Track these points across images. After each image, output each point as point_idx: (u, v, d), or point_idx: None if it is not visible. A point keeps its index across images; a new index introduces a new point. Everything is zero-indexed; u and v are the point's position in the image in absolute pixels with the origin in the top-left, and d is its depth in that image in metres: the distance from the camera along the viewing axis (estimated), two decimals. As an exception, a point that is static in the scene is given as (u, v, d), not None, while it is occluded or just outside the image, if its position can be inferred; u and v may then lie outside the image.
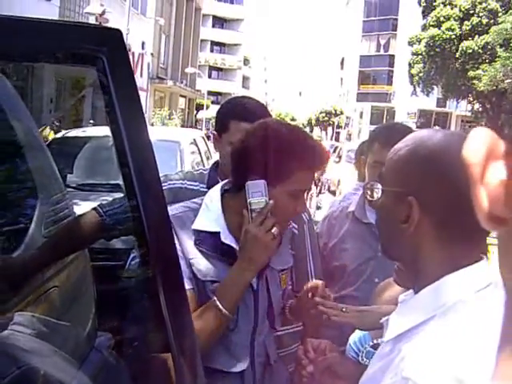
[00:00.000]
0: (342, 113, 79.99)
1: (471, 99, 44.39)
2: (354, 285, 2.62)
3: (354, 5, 70.39)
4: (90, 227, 2.20)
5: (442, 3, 40.27)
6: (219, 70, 74.47)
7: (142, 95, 29.64)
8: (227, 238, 1.90)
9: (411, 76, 44.64)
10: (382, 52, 67.13)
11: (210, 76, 68.48)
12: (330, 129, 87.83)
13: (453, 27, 39.10)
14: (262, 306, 1.98)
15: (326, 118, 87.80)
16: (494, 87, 34.56)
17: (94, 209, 2.20)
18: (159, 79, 35.04)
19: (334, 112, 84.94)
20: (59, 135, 6.90)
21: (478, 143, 0.54)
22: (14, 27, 1.10)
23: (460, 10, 39.30)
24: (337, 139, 65.40)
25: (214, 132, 2.50)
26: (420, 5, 42.99)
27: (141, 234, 1.19)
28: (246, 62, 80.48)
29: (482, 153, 0.54)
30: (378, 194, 1.30)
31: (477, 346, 1.00)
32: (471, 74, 36.20)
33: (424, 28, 42.42)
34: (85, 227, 2.22)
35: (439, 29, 39.76)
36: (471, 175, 0.54)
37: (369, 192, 1.34)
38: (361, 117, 69.28)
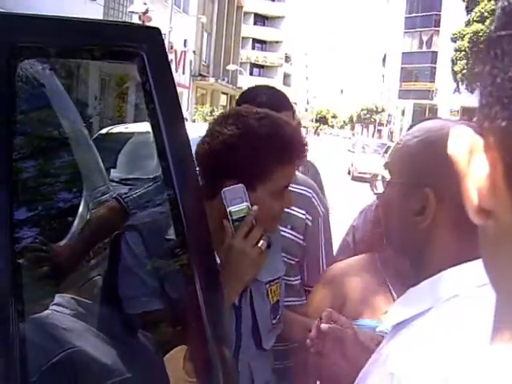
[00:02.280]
0: (383, 110, 79.28)
1: (516, 96, 43.42)
2: None
3: (396, 1, 69.64)
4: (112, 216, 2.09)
5: (487, -2, 39.64)
6: (260, 67, 74.53)
7: (185, 92, 29.88)
8: None
9: (454, 73, 44.05)
10: (424, 49, 66.18)
11: (251, 73, 68.59)
12: (371, 126, 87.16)
13: (497, 23, 38.33)
14: (245, 323, 1.78)
15: (368, 116, 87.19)
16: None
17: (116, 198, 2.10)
18: (201, 76, 35.25)
19: (375, 109, 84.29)
20: (104, 131, 7.01)
21: (460, 138, 0.56)
22: (61, 27, 1.19)
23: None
24: (379, 137, 64.80)
25: None
26: (463, 0, 42.34)
27: (179, 223, 1.25)
28: (287, 59, 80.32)
29: (465, 147, 0.55)
30: (382, 186, 1.28)
31: (467, 344, 0.93)
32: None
33: (468, 23, 41.80)
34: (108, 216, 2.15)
35: (483, 24, 39.13)
36: (458, 170, 0.55)
37: (374, 184, 1.31)
38: (402, 114, 68.47)
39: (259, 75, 72.53)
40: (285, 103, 2.41)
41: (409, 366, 0.98)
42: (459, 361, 0.89)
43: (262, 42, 74.47)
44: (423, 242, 1.16)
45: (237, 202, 1.61)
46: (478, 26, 39.47)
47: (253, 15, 69.41)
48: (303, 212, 2.50)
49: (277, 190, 1.71)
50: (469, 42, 40.23)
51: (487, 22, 38.94)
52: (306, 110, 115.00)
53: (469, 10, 42.01)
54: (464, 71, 42.07)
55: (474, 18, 40.31)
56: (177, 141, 1.28)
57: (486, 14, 39.29)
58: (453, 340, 0.96)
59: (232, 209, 1.60)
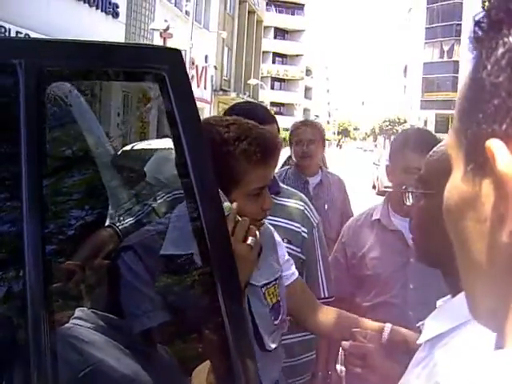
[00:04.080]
0: (405, 121, 78.99)
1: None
2: (390, 292, 2.60)
3: (416, 12, 69.58)
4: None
5: (507, 7, 39.44)
6: (281, 80, 74.66)
7: (206, 107, 30.03)
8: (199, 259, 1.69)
9: (476, 82, 43.73)
10: (445, 58, 66.04)
11: (272, 87, 68.78)
12: (393, 137, 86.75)
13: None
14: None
15: (390, 127, 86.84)
16: None
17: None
18: (222, 91, 35.44)
19: (397, 120, 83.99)
20: (128, 147, 7.10)
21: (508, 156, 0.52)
22: (87, 51, 1.25)
23: (526, 13, 38.40)
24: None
25: None
26: (484, 8, 42.16)
27: (202, 240, 1.29)
28: (308, 72, 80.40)
29: None
30: (414, 198, 1.31)
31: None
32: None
33: (489, 33, 41.58)
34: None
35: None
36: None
37: (406, 197, 1.36)
38: (425, 125, 68.08)
39: (280, 89, 72.71)
40: (267, 117, 2.48)
41: (454, 377, 0.98)
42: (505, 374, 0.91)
43: (283, 56, 74.63)
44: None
45: None
46: (499, 35, 39.23)
47: (273, 29, 69.64)
48: (298, 225, 2.56)
49: (252, 192, 1.74)
50: (490, 51, 40.03)
51: (509, 30, 38.70)
52: (328, 123, 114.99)
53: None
54: (486, 80, 41.81)
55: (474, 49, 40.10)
56: (198, 157, 1.33)
57: (507, 22, 39.07)
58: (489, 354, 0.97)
59: None
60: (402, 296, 2.56)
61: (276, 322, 1.89)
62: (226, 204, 1.61)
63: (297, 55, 74.12)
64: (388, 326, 2.04)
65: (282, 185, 2.69)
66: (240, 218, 1.63)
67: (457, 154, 0.57)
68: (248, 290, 1.78)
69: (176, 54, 1.33)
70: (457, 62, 62.97)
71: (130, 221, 2.38)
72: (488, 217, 0.52)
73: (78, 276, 2.07)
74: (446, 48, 65.71)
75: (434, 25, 65.82)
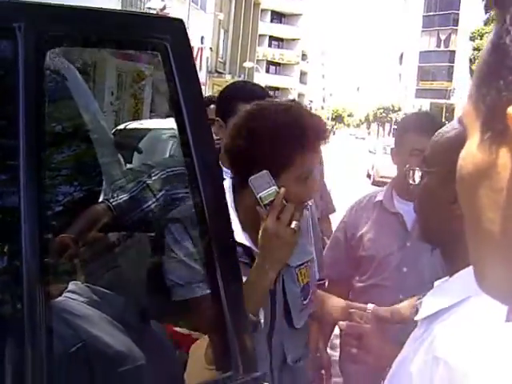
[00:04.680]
0: (399, 109, 79.01)
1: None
2: (382, 274, 2.61)
3: (414, 0, 69.35)
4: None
5: (506, -3, 39.29)
6: (277, 64, 74.38)
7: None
8: (241, 237, 1.80)
9: (472, 72, 43.64)
10: (442, 47, 65.98)
11: (267, 71, 68.58)
12: (387, 125, 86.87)
13: (516, 22, 38.10)
14: (279, 305, 1.87)
15: (384, 115, 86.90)
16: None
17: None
18: (218, 73, 35.27)
19: (392, 108, 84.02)
20: (121, 127, 7.08)
21: None
22: (88, 17, 1.21)
23: (524, 4, 38.28)
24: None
25: (217, 118, 2.50)
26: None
27: (203, 219, 1.27)
28: (303, 56, 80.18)
29: None
30: (419, 178, 1.33)
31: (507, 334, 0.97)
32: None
33: (486, 22, 41.54)
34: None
35: (502, 23, 38.80)
36: None
37: (411, 176, 1.37)
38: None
39: (275, 73, 72.48)
40: (265, 95, 2.45)
41: (456, 351, 1.00)
42: (506, 346, 0.94)
43: (279, 40, 74.34)
44: (458, 232, 1.11)
45: (264, 187, 1.68)
46: (497, 25, 39.11)
47: (270, 12, 69.27)
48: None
49: (300, 176, 1.77)
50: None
51: (506, 21, 38.57)
52: (323, 108, 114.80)
53: (488, 8, 41.70)
54: (482, 70, 41.74)
55: (494, 17, 39.90)
56: (199, 129, 1.30)
57: (505, 12, 38.94)
58: (499, 326, 0.94)
59: (262, 194, 1.68)
60: (394, 279, 2.56)
61: (305, 302, 1.96)
62: (274, 188, 1.68)
63: (293, 39, 73.87)
64: (370, 307, 2.13)
65: None
66: (285, 203, 1.68)
67: (473, 121, 0.56)
68: (283, 270, 1.85)
69: (179, 23, 1.30)
70: (453, 51, 62.96)
71: (123, 197, 2.36)
72: (504, 186, 0.51)
73: (72, 249, 2.06)
74: (442, 37, 65.64)
75: (431, 13, 65.68)
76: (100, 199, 2.51)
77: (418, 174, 1.36)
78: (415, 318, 1.25)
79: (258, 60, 54.97)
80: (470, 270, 1.05)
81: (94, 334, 1.73)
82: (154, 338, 2.03)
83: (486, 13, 42.11)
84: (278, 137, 1.72)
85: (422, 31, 67.23)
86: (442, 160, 1.24)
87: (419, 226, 1.41)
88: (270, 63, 72.92)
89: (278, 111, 1.77)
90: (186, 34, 1.32)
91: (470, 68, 43.93)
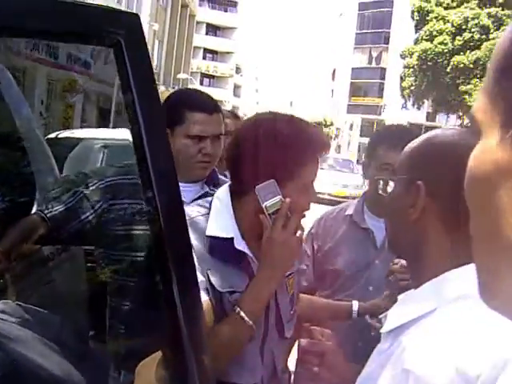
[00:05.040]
0: (332, 124, 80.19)
1: (461, 114, 44.64)
2: (348, 291, 2.54)
3: (347, 17, 70.69)
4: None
5: (435, 18, 40.52)
6: (211, 77, 74.46)
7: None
8: (240, 244, 1.79)
9: (402, 89, 44.89)
10: (373, 64, 67.54)
11: (201, 83, 68.48)
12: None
13: (445, 41, 39.36)
14: (271, 313, 1.87)
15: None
16: (485, 102, 34.79)
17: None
18: (151, 84, 34.96)
19: (324, 123, 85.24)
20: (52, 135, 6.90)
21: None
22: (35, 7, 1.08)
23: (452, 25, 39.55)
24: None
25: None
26: (413, 19, 43.23)
27: (157, 231, 1.16)
28: (237, 70, 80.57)
29: None
30: (390, 188, 1.32)
31: (478, 340, 1.03)
32: (462, 88, 36.47)
33: (416, 41, 42.70)
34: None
35: (431, 43, 40.03)
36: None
37: (382, 187, 1.37)
38: (351, 129, 69.59)
39: (209, 85, 72.45)
40: (215, 105, 2.46)
41: (425, 362, 1.01)
42: (474, 355, 0.99)
43: (214, 52, 74.46)
44: (418, 239, 1.20)
45: (270, 196, 1.71)
46: (426, 45, 40.32)
47: (205, 25, 69.41)
48: None
49: (304, 186, 1.80)
50: (417, 60, 41.06)
51: (435, 40, 39.82)
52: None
53: (418, 28, 42.92)
54: (412, 87, 42.90)
55: (423, 37, 41.18)
56: (155, 130, 1.18)
57: (434, 32, 40.17)
58: (466, 336, 1.03)
59: (267, 203, 1.71)
60: (359, 297, 2.47)
61: (292, 312, 1.97)
62: (279, 197, 1.71)
63: (227, 52, 74.15)
64: (356, 303, 2.31)
65: (220, 176, 2.60)
66: (289, 213, 1.72)
67: (490, 118, 0.51)
68: None
69: (135, 18, 1.18)
70: (384, 68, 64.45)
71: (59, 208, 2.22)
72: None
73: (2, 265, 1.96)
74: (374, 54, 67.18)
75: (363, 31, 67.13)
76: (33, 210, 2.37)
77: (390, 185, 1.34)
78: (381, 331, 1.24)
79: (192, 72, 54.99)
80: (435, 281, 1.15)
81: (26, 356, 1.60)
82: (95, 360, 1.92)
83: (415, 32, 43.30)
84: (285, 148, 1.73)
85: (355, 48, 68.63)
86: (405, 168, 1.27)
87: (387, 237, 1.40)
88: (204, 75, 72.95)
89: (283, 121, 1.80)
90: (142, 30, 1.20)
91: (401, 85, 45.02)
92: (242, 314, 1.70)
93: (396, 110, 55.34)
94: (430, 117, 57.24)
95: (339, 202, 2.69)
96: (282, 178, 1.74)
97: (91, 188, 2.26)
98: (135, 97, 1.15)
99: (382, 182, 1.38)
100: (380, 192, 1.39)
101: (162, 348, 1.45)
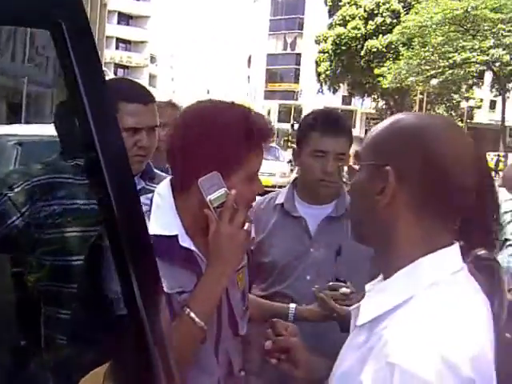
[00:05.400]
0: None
1: (376, 97, 45.64)
2: (285, 282, 2.47)
3: (261, 3, 70.84)
4: None
5: (348, 3, 41.25)
6: (125, 67, 73.12)
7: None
8: (186, 241, 1.69)
9: (318, 74, 45.47)
10: (288, 50, 68.09)
11: (115, 74, 66.95)
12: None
13: (358, 26, 40.10)
14: (224, 311, 1.80)
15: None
16: (398, 85, 35.65)
17: None
18: (64, 76, 34.11)
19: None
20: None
21: None
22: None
23: (365, 10, 40.35)
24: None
25: None
26: (326, 4, 43.80)
27: (115, 230, 1.07)
28: (152, 59, 79.51)
29: None
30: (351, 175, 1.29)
31: (458, 327, 1.05)
32: (376, 71, 37.18)
33: (330, 27, 43.27)
34: None
35: (345, 28, 40.66)
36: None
37: (345, 175, 1.33)
38: (268, 114, 69.82)
39: (124, 76, 71.18)
40: (152, 95, 2.38)
41: (410, 355, 1.00)
42: (457, 344, 1.02)
43: (127, 42, 73.14)
44: (387, 226, 1.18)
45: (214, 189, 1.63)
46: (340, 30, 40.97)
47: (117, 14, 68.05)
48: None
49: (249, 176, 1.71)
50: (332, 45, 41.62)
51: (348, 25, 40.46)
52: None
53: (331, 13, 43.55)
54: (327, 72, 43.48)
55: (337, 22, 41.83)
56: (102, 114, 1.09)
57: (347, 17, 40.85)
58: (447, 324, 1.05)
59: (211, 197, 1.63)
60: (297, 287, 2.43)
61: (244, 308, 1.91)
62: (224, 190, 1.63)
63: (141, 42, 73.02)
64: (293, 306, 2.27)
65: (155, 170, 2.50)
66: (235, 205, 1.65)
67: None
68: None
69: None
70: (299, 54, 65.06)
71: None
72: None
73: None
74: (289, 40, 67.70)
75: (278, 17, 67.49)
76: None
77: (352, 173, 1.30)
78: (357, 324, 1.20)
79: (105, 63, 53.88)
80: (407, 269, 1.13)
81: None
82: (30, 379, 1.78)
83: (329, 17, 43.87)
84: (228, 137, 1.65)
85: (270, 34, 68.96)
86: (371, 153, 1.23)
87: (352, 226, 1.34)
88: (117, 66, 71.53)
89: (224, 109, 1.72)
90: (85, 11, 1.10)
91: (316, 70, 45.56)
92: (192, 314, 1.61)
93: (312, 95, 55.90)
94: (346, 100, 58.25)
95: (267, 192, 2.59)
96: (225, 170, 1.65)
97: (16, 190, 2.07)
98: (80, 83, 1.06)
99: (341, 169, 1.33)
100: (344, 180, 1.33)
101: (115, 358, 1.37)
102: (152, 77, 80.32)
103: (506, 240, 2.95)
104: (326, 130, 2.40)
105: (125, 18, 71.67)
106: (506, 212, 2.99)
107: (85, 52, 1.10)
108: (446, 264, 1.15)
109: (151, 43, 75.26)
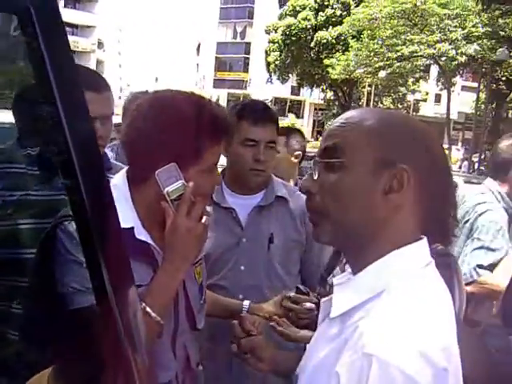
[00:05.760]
0: (198, 99, 79.94)
1: (324, 88, 45.93)
2: (219, 274, 2.47)
3: (211, -9, 70.48)
4: None
5: (298, -7, 41.29)
6: (72, 52, 71.77)
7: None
8: (142, 234, 1.66)
9: (267, 64, 45.48)
10: (238, 39, 67.95)
11: (62, 58, 65.83)
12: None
13: (308, 17, 40.21)
14: (181, 305, 1.78)
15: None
16: (347, 76, 35.94)
17: None
18: (9, 60, 33.33)
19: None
20: None
21: None
22: None
23: (315, 1, 40.50)
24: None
25: None
26: (275, -5, 43.83)
27: (84, 218, 1.03)
28: (100, 45, 78.28)
29: None
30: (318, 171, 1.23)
31: (430, 319, 1.07)
32: (326, 62, 37.37)
33: (280, 17, 43.31)
34: None
35: (295, 18, 40.75)
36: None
37: (315, 170, 1.23)
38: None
39: (70, 61, 69.56)
40: (107, 83, 2.30)
41: (387, 346, 1.01)
42: (432, 335, 1.04)
43: (74, 26, 71.69)
44: (380, 223, 1.15)
45: (171, 181, 1.59)
46: (290, 20, 41.01)
47: (63, -3, 66.72)
48: None
49: (207, 169, 1.69)
50: (282, 35, 41.67)
51: (299, 16, 40.55)
52: (120, 98, 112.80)
53: (281, 3, 43.61)
54: (277, 62, 43.53)
55: (287, 12, 41.87)
56: (74, 110, 1.04)
57: (298, 8, 40.93)
58: (422, 315, 1.07)
59: (169, 189, 1.59)
60: (232, 278, 2.45)
61: (201, 302, 1.89)
62: (181, 182, 1.60)
63: (88, 26, 71.72)
64: (247, 303, 2.25)
65: (112, 161, 2.45)
66: (193, 198, 1.61)
67: None
68: None
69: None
70: (249, 43, 65.00)
71: None
72: None
73: None
74: (239, 29, 67.55)
75: (228, 5, 67.27)
76: None
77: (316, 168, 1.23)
78: (330, 316, 1.18)
79: (52, 46, 52.61)
80: (378, 263, 1.14)
81: None
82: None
83: (279, 7, 43.91)
84: (186, 128, 1.62)
85: (219, 23, 68.67)
86: (371, 149, 1.15)
87: (323, 225, 1.22)
88: (64, 50, 70.05)
89: (183, 100, 1.68)
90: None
91: (266, 60, 45.58)
92: (148, 309, 1.57)
93: (261, 85, 56.02)
94: (295, 90, 58.48)
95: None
96: (183, 161, 1.62)
97: None
98: (49, 71, 1.01)
99: (315, 166, 1.23)
100: (314, 176, 1.22)
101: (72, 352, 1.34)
102: (99, 63, 79.04)
103: (474, 237, 2.98)
104: (255, 119, 2.42)
105: (71, 2, 70.21)
106: (478, 204, 3.03)
107: (54, 37, 1.05)
108: (416, 258, 1.16)
109: (99, 28, 74.01)
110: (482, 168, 27.84)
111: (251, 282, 2.43)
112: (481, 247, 2.92)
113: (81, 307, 1.52)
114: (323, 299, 1.29)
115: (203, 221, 1.64)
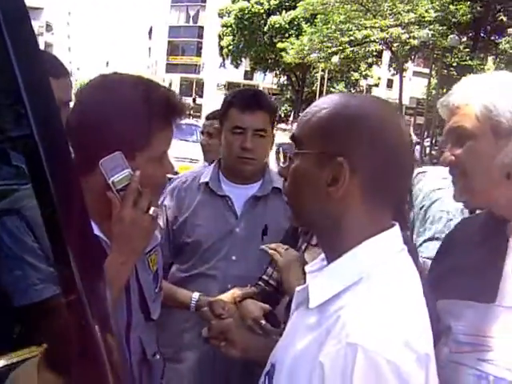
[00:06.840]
0: (151, 83, 79.44)
1: (277, 72, 46.03)
2: (210, 263, 2.43)
3: (163, -27, 69.80)
4: None
5: (252, -23, 41.17)
6: (19, 35, 70.44)
7: None
8: None
9: (220, 48, 45.35)
10: (191, 23, 67.50)
11: (9, 41, 64.59)
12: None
13: (261, 1, 40.18)
14: (134, 297, 1.72)
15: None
16: (300, 61, 36.06)
17: None
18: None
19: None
20: None
21: None
22: None
23: (268, -15, 40.42)
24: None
25: None
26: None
27: (50, 209, 0.95)
28: (48, 27, 76.90)
29: None
30: (289, 158, 1.27)
31: (409, 306, 1.11)
32: (279, 46, 37.40)
33: (234, 1, 43.14)
34: None
35: (248, 2, 40.65)
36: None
37: (281, 157, 1.32)
38: (170, 87, 69.39)
39: (18, 44, 68.33)
40: (65, 68, 2.26)
41: (371, 335, 1.03)
42: (413, 322, 1.09)
43: (21, 8, 70.29)
44: (336, 214, 1.17)
45: (117, 170, 1.52)
46: (243, 4, 40.90)
47: (10, -22, 65.20)
48: None
49: (157, 156, 1.61)
50: (235, 19, 41.54)
51: (252, 0, 40.46)
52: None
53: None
54: (230, 47, 43.42)
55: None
56: (41, 103, 0.96)
57: (251, -9, 40.79)
58: (402, 303, 1.10)
59: (114, 179, 1.51)
60: (222, 268, 2.41)
61: (156, 290, 1.84)
62: (127, 171, 1.52)
63: (36, 8, 70.32)
64: (195, 295, 2.28)
65: None
66: (140, 188, 1.53)
67: None
68: None
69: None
70: (202, 27, 64.64)
71: None
72: None
73: None
74: (191, 13, 67.11)
75: (180, -12, 66.76)
76: None
77: (288, 154, 1.30)
78: (309, 306, 1.18)
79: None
80: (357, 250, 1.17)
81: None
82: None
83: (232, -9, 43.74)
84: (130, 114, 1.53)
85: (172, 6, 68.09)
86: (317, 141, 1.19)
87: (293, 210, 1.30)
88: (11, 33, 68.75)
89: (128, 83, 1.59)
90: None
91: (219, 44, 45.41)
92: None
93: (214, 69, 55.84)
94: (248, 75, 58.43)
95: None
96: (130, 148, 1.53)
97: None
98: (17, 71, 0.92)
99: (281, 152, 1.31)
100: (280, 162, 1.30)
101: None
102: (48, 46, 77.59)
103: (426, 226, 2.93)
104: (243, 106, 2.39)
105: (18, -17, 68.75)
106: (433, 190, 2.98)
107: (16, 20, 0.95)
108: (390, 244, 1.19)
109: (47, 10, 72.64)
110: (434, 152, 28.26)
111: (242, 273, 2.37)
112: (431, 238, 2.88)
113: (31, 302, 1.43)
114: (298, 288, 1.27)
115: (151, 212, 1.56)
